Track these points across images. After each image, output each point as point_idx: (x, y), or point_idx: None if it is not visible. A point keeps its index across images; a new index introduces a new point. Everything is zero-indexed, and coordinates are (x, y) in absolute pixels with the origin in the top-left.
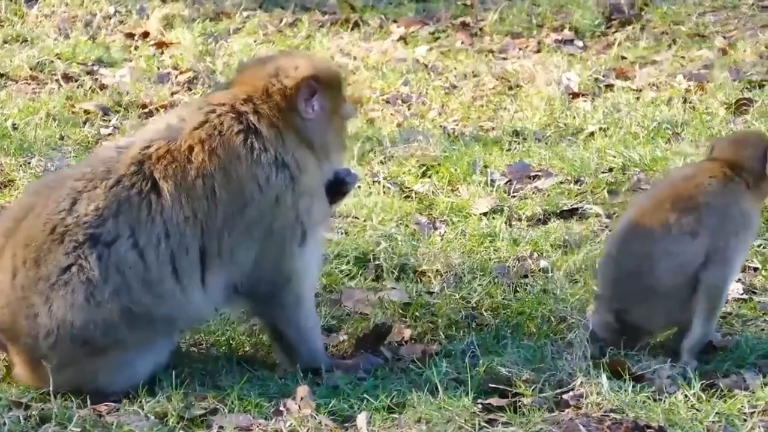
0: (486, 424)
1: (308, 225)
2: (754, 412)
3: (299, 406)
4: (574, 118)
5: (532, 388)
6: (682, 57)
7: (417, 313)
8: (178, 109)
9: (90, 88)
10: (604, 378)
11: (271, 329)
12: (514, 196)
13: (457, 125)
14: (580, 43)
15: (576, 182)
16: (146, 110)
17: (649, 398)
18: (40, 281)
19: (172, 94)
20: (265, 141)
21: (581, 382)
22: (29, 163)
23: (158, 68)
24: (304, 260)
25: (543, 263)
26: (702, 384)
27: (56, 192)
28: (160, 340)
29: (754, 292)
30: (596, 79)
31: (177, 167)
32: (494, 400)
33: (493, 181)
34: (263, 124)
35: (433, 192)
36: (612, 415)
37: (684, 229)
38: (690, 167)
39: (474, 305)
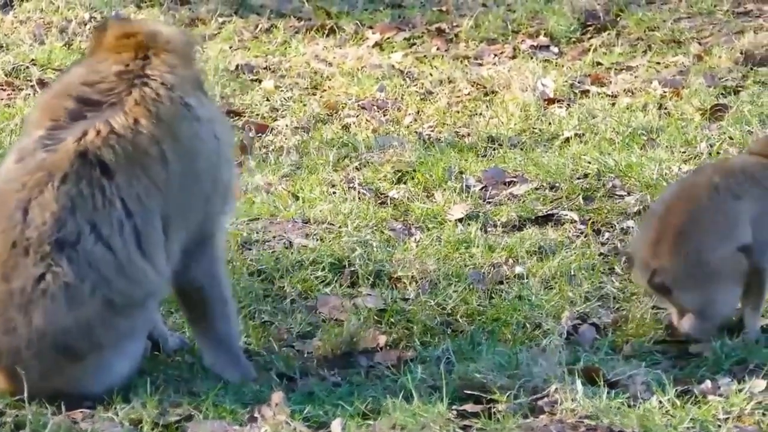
0: (461, 431)
1: (236, 174)
2: (728, 418)
3: (274, 413)
4: (550, 124)
5: (507, 394)
6: (658, 63)
7: (392, 320)
8: (77, 77)
9: None
10: (578, 384)
11: (196, 295)
12: (489, 202)
13: (432, 131)
14: (555, 49)
15: (551, 188)
16: None
17: (623, 404)
18: (15, 295)
19: None
20: (196, 101)
21: (556, 389)
22: None
23: None
24: (232, 211)
25: (518, 269)
26: (677, 390)
27: (2, 208)
28: (137, 337)
29: None
30: (572, 85)
31: (126, 142)
32: (469, 407)
33: (468, 187)
34: (189, 87)
35: (408, 198)
36: (586, 421)
37: (729, 191)
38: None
39: (449, 311)
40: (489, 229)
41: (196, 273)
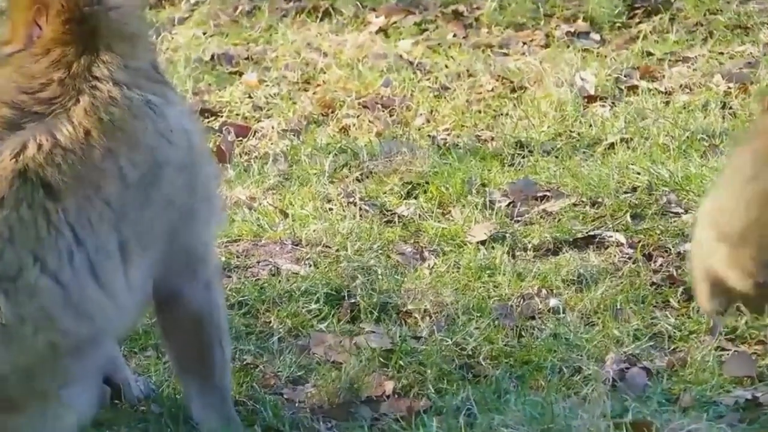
0: None
1: (217, 174)
2: None
3: None
4: (591, 126)
5: None
6: (720, 53)
7: (401, 362)
8: (12, 81)
9: None
10: None
11: (192, 327)
12: (517, 221)
13: (448, 135)
14: (596, 37)
15: (593, 204)
16: None
17: None
18: None
19: None
20: (158, 95)
21: None
22: None
23: None
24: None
25: (553, 302)
26: None
27: None
28: (88, 383)
29: None
30: (617, 80)
31: (74, 158)
32: None
33: (492, 202)
34: (147, 80)
35: (420, 216)
36: None
37: None
38: None
39: (470, 352)
40: (518, 254)
41: (190, 301)
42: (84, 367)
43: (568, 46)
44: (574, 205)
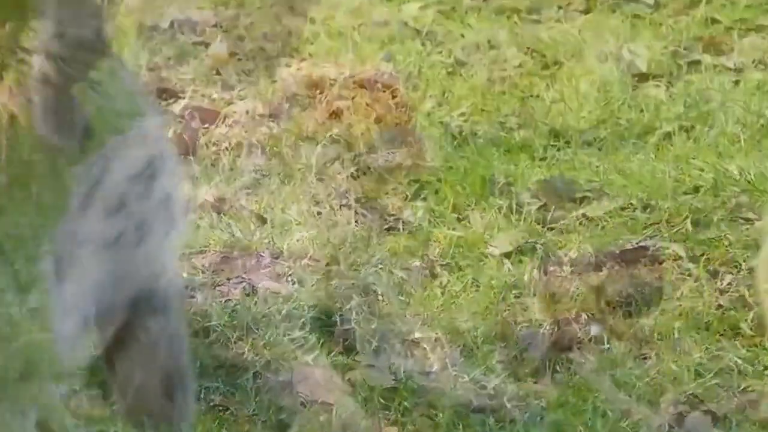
0: None
1: (180, 171)
2: None
3: None
4: (642, 111)
5: None
6: None
7: (406, 404)
8: None
9: None
10: None
11: (145, 360)
12: (551, 229)
13: (465, 122)
14: (650, 0)
15: (644, 208)
16: None
17: None
18: None
19: None
20: (106, 71)
21: None
22: None
23: None
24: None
25: (594, 330)
26: None
27: None
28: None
29: None
30: (674, 54)
31: None
32: None
33: (519, 205)
34: (88, 54)
35: (430, 222)
36: None
37: None
38: None
39: (491, 392)
40: (551, 269)
41: (143, 329)
42: (13, 410)
43: (614, 11)
44: (622, 208)
